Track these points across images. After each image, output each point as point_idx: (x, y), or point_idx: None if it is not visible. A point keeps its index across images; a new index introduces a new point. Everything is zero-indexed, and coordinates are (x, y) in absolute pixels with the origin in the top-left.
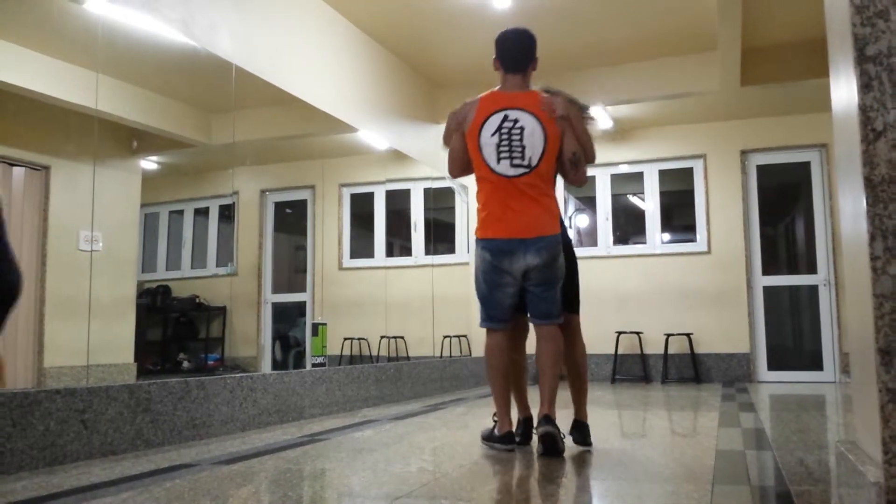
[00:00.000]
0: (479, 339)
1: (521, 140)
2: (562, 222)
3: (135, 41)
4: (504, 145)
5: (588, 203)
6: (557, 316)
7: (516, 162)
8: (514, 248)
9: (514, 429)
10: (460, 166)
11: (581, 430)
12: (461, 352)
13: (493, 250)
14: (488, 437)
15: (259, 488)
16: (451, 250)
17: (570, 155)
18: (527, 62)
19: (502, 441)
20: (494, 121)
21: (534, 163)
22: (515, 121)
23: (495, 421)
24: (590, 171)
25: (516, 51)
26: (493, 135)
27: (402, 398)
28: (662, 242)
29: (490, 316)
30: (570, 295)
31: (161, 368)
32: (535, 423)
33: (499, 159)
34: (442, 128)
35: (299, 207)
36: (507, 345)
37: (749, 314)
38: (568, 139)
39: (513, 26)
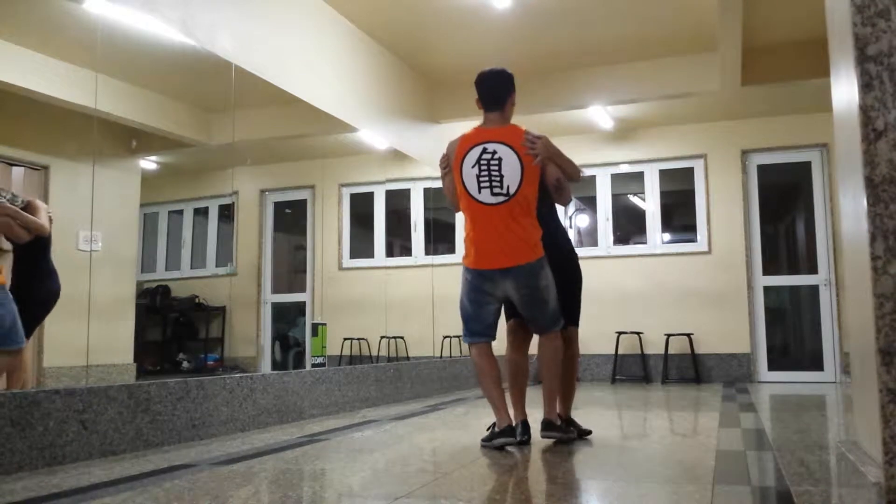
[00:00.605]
0: None
1: (499, 170)
2: (561, 238)
3: (134, 41)
4: (484, 175)
5: (588, 203)
6: (550, 328)
7: (496, 191)
8: (493, 276)
9: (513, 423)
10: (457, 201)
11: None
12: (461, 352)
13: (475, 275)
14: (489, 437)
15: (259, 489)
16: (451, 250)
17: (554, 181)
18: (503, 100)
19: (503, 435)
20: (474, 154)
21: (512, 191)
22: (494, 152)
23: (492, 425)
24: (590, 171)
25: (492, 90)
26: (473, 166)
27: (401, 398)
28: (663, 242)
29: (471, 331)
30: (569, 307)
31: (160, 369)
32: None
33: (479, 188)
34: (442, 127)
35: (299, 207)
36: (490, 350)
37: (749, 314)
38: (550, 168)
39: (490, 67)
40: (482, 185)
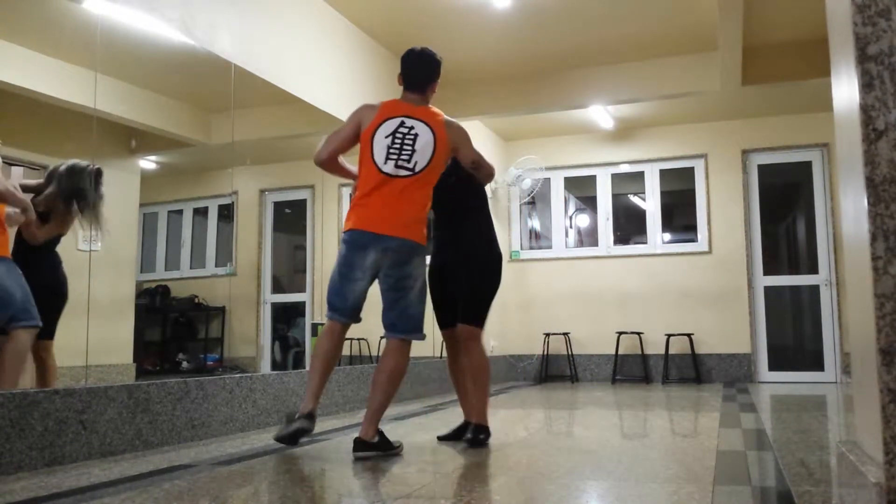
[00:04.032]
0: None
1: (412, 146)
2: (492, 238)
3: (134, 40)
4: (395, 148)
5: (589, 203)
6: (405, 333)
7: (401, 164)
8: (368, 242)
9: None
10: (331, 152)
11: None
12: None
13: (351, 242)
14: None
15: (258, 489)
16: None
17: (470, 162)
18: (427, 84)
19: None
20: (391, 125)
21: (417, 169)
22: (411, 128)
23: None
24: (591, 171)
25: (420, 74)
26: (387, 136)
27: (401, 398)
28: (663, 242)
29: (332, 307)
30: (474, 307)
31: (160, 369)
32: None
33: (386, 159)
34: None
35: (299, 207)
36: (342, 334)
37: (750, 314)
38: (464, 150)
39: (421, 47)
40: (390, 156)
